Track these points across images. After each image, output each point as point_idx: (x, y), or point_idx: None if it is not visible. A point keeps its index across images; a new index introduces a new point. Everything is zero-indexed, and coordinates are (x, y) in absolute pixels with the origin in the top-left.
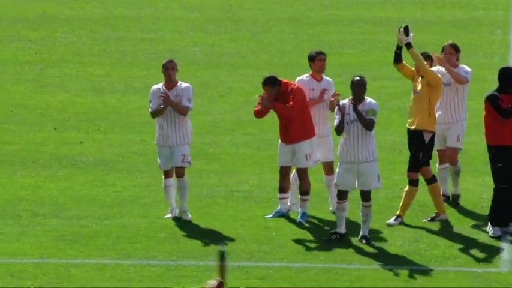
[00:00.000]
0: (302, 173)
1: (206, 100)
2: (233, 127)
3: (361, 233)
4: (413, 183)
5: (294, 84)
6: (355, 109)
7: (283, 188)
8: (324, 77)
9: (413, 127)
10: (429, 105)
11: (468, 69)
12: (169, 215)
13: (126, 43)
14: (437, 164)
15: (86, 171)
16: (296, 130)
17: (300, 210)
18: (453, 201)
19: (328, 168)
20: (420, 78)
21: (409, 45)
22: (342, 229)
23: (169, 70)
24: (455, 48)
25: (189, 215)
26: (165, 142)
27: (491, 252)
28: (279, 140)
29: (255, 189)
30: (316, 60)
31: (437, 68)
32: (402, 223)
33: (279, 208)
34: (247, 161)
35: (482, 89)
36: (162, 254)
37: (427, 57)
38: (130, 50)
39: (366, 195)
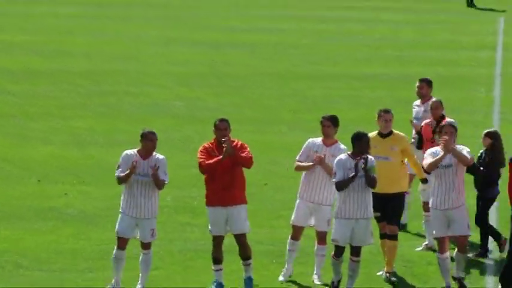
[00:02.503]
0: (243, 240)
1: (189, 154)
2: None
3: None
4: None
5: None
6: (364, 166)
7: (217, 259)
8: (338, 144)
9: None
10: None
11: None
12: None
13: (110, 96)
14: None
15: (70, 224)
16: (240, 189)
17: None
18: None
19: (322, 237)
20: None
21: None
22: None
23: (148, 141)
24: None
25: None
26: (133, 212)
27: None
28: (209, 207)
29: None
30: (322, 126)
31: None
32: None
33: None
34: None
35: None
36: None
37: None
38: (114, 104)
39: (358, 250)
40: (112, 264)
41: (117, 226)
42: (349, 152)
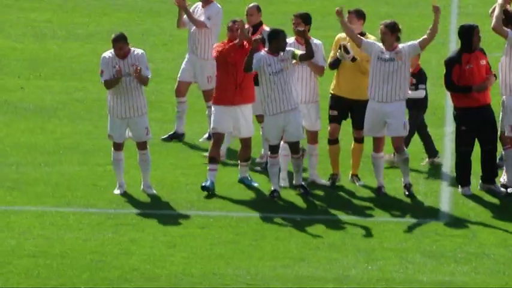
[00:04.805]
0: (249, 142)
1: (148, 48)
2: (175, 75)
3: (296, 182)
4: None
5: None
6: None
7: (215, 158)
8: (313, 39)
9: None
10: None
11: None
12: (118, 191)
13: None
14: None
15: (26, 118)
16: (250, 89)
17: (246, 175)
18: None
19: (313, 137)
20: None
21: (354, 59)
22: (277, 186)
23: (117, 49)
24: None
25: (154, 190)
26: (122, 113)
27: (429, 203)
28: (216, 105)
29: (196, 138)
30: (292, 24)
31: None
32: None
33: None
34: (188, 109)
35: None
36: (102, 202)
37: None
38: None
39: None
40: (113, 167)
41: (108, 130)
42: (266, 49)
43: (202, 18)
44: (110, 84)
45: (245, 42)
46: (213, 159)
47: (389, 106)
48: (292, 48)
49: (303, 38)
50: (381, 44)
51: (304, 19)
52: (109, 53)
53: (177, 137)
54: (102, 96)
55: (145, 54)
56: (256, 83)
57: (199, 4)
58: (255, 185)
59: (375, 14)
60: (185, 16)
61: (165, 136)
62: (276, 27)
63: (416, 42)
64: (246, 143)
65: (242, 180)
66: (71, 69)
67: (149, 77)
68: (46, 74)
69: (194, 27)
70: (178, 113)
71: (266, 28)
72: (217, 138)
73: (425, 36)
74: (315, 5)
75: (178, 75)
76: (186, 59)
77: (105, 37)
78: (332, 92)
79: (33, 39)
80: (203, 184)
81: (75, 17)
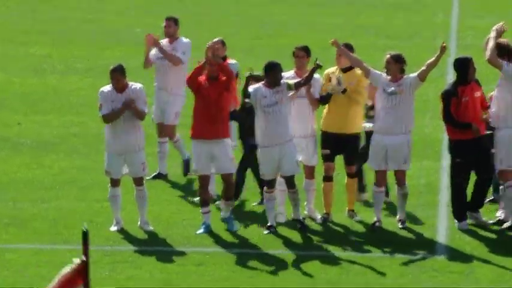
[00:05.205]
0: (229, 179)
1: (146, 82)
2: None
3: (294, 216)
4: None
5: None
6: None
7: (205, 201)
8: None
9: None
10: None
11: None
12: (115, 228)
13: (68, 23)
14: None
15: (23, 153)
16: (225, 124)
17: (228, 215)
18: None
19: (310, 172)
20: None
21: (344, 91)
22: (274, 221)
23: (113, 80)
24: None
25: (151, 226)
26: (119, 149)
27: (426, 238)
28: (192, 139)
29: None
30: (294, 57)
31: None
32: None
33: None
34: (185, 143)
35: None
36: (99, 239)
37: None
38: (72, 30)
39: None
40: (110, 203)
41: (106, 166)
42: (263, 82)
43: (173, 54)
44: (108, 118)
45: (220, 76)
46: (204, 202)
47: (393, 139)
48: (287, 80)
49: (313, 71)
50: (386, 75)
51: (307, 52)
52: (108, 87)
53: (160, 177)
54: (100, 130)
55: (144, 88)
56: (232, 118)
57: (165, 40)
58: (235, 229)
59: (372, 46)
60: (151, 54)
61: (149, 177)
62: (272, 60)
63: (415, 74)
64: (225, 179)
65: (224, 221)
66: (69, 103)
67: (146, 111)
68: (44, 109)
69: (161, 64)
70: (159, 154)
71: (231, 61)
72: (201, 181)
73: (424, 68)
74: (313, 39)
75: (152, 116)
76: (155, 98)
77: (104, 71)
78: (322, 129)
79: (32, 73)
80: (198, 232)
81: (74, 50)
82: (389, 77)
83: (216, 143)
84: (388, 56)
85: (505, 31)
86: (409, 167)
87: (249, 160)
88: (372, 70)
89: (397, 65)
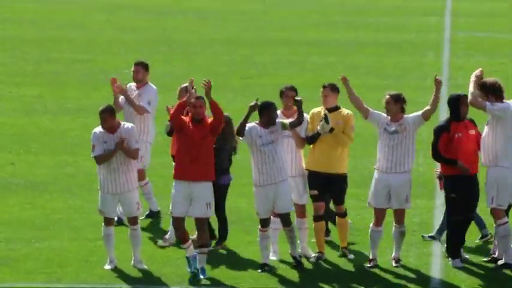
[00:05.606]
0: (203, 224)
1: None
2: (164, 149)
3: (292, 253)
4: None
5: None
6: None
7: (184, 238)
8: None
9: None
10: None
11: None
12: (109, 266)
13: (59, 64)
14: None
15: (16, 193)
16: (209, 165)
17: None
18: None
19: (301, 211)
20: None
21: (331, 130)
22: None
23: (102, 121)
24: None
25: (144, 265)
26: (113, 189)
27: (421, 277)
28: (174, 179)
29: None
30: (284, 97)
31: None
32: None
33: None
34: (165, 179)
35: (413, 110)
36: (93, 278)
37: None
38: (62, 71)
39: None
40: (103, 242)
41: (99, 205)
42: (257, 122)
43: (139, 101)
44: (101, 159)
45: (206, 119)
46: (184, 240)
47: (396, 177)
48: (281, 120)
49: (299, 107)
50: (386, 115)
51: (296, 92)
52: (100, 128)
53: (152, 215)
54: (93, 170)
55: (135, 128)
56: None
57: (133, 84)
58: (201, 277)
59: (364, 86)
60: (121, 98)
61: (142, 217)
62: (267, 100)
63: (419, 113)
64: (199, 225)
65: (197, 270)
66: (62, 143)
67: (139, 149)
68: (37, 149)
69: (128, 110)
70: (145, 195)
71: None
72: (175, 223)
73: (428, 107)
74: (304, 78)
75: None
76: None
77: (96, 111)
78: (307, 167)
79: (23, 113)
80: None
81: (66, 91)
82: (389, 117)
83: (198, 185)
84: (387, 96)
85: (482, 76)
86: (410, 206)
87: (220, 197)
88: (371, 110)
89: (397, 104)
